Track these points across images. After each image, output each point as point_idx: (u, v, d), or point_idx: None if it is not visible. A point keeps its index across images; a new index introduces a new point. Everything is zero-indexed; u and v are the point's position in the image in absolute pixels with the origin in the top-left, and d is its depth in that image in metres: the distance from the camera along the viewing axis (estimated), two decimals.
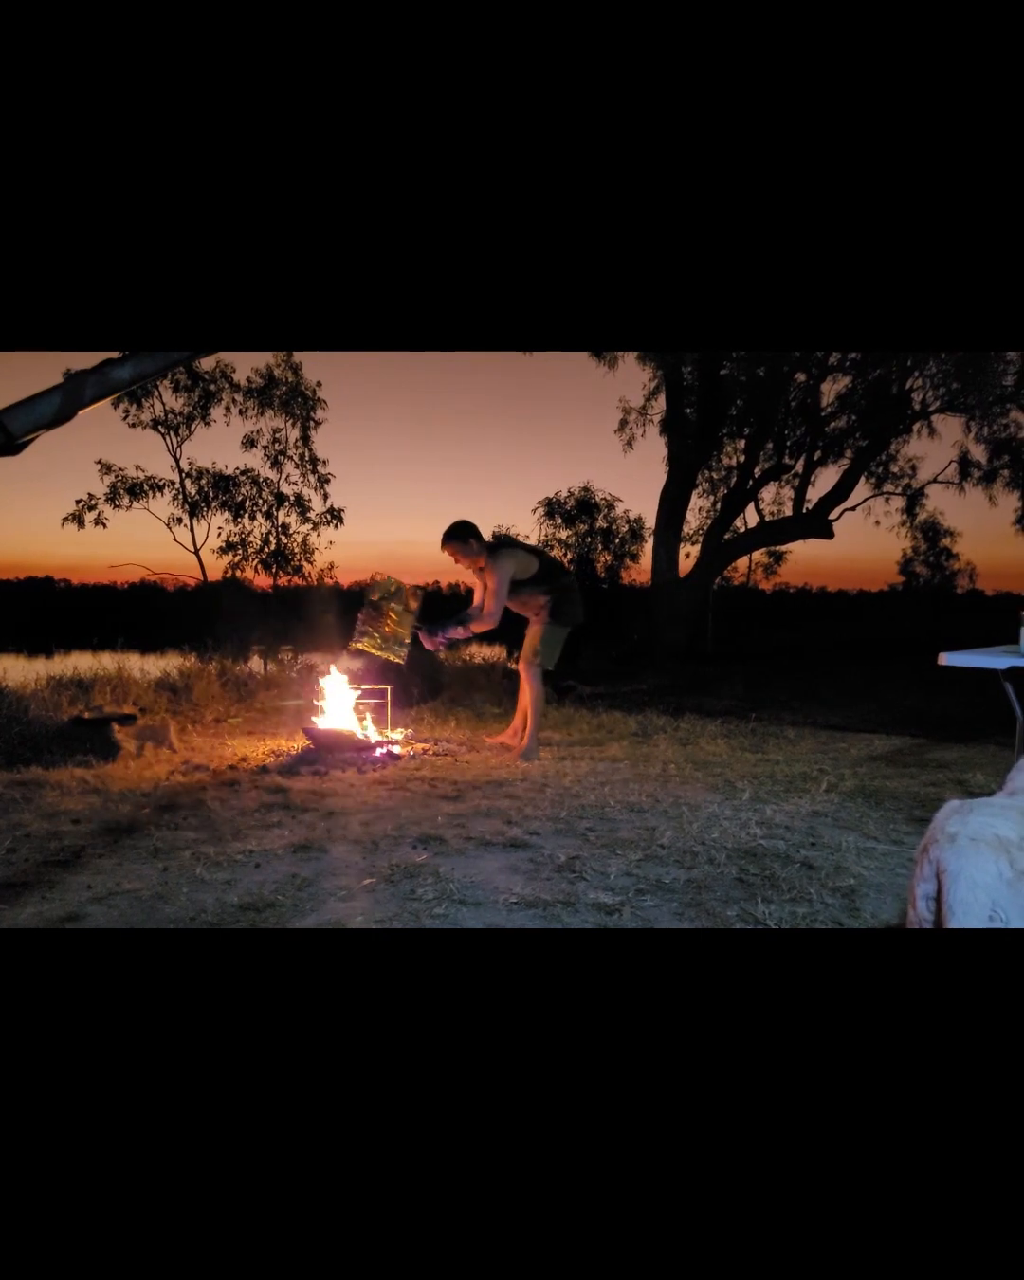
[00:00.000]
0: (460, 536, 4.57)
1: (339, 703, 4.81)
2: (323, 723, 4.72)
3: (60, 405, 1.87)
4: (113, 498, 11.80)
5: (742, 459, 12.11)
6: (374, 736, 4.69)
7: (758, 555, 15.04)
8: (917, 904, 1.47)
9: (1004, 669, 3.10)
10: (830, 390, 11.29)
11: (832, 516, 11.77)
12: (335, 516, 12.72)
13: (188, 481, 12.31)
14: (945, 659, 3.26)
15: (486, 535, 4.68)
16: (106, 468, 11.78)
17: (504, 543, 4.74)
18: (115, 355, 1.98)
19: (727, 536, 12.13)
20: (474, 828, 3.13)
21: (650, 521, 12.42)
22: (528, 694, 4.62)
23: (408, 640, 4.56)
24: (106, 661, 6.81)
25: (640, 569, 13.80)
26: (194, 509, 12.37)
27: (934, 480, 13.00)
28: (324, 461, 12.66)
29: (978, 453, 12.13)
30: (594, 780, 4.00)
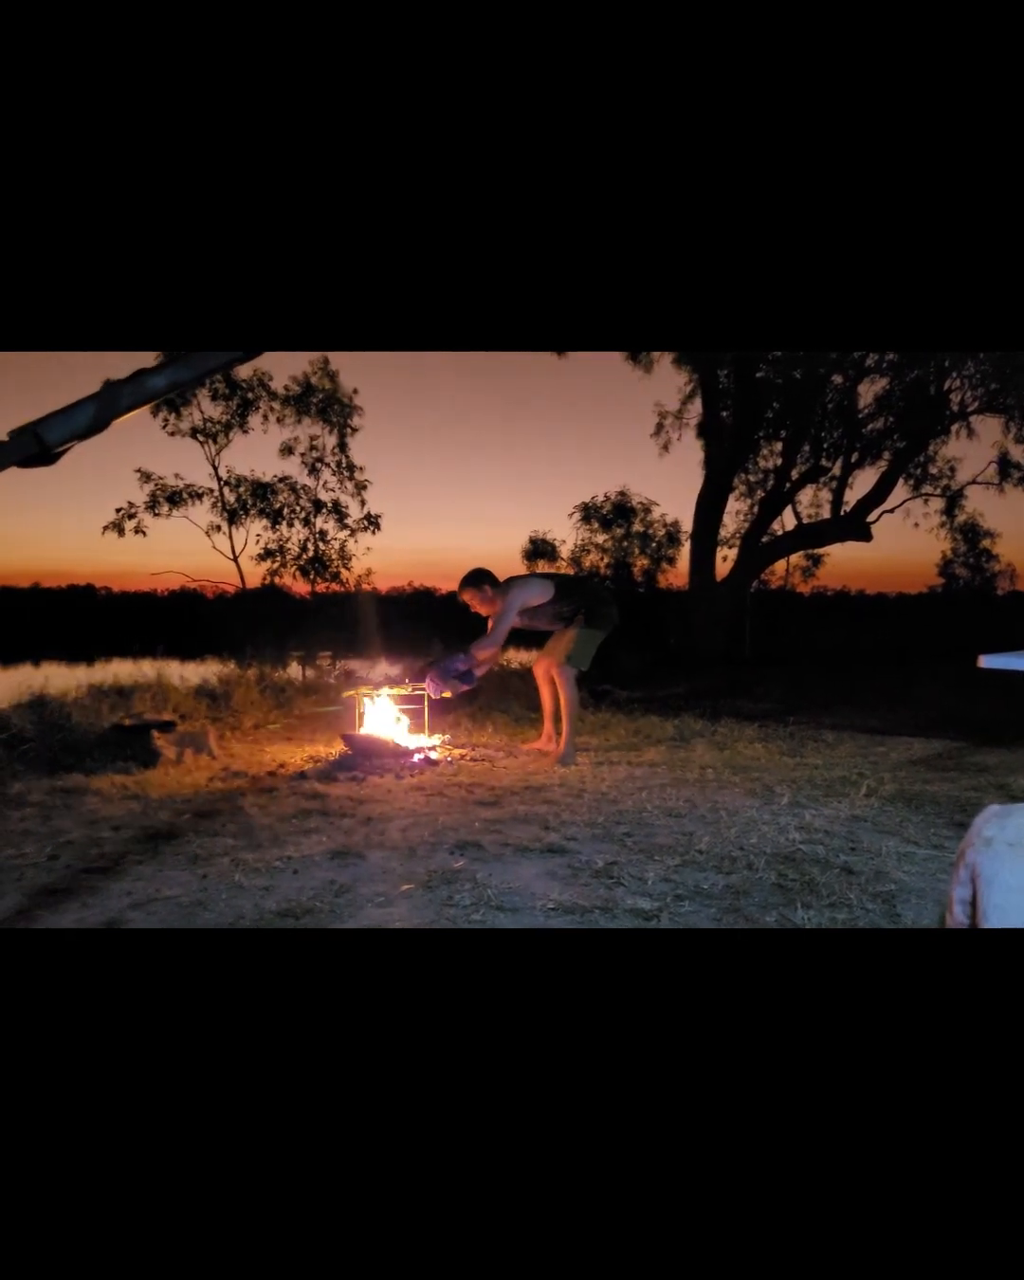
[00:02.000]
0: (475, 583, 4.58)
1: (377, 709, 4.86)
2: (361, 728, 4.76)
3: (95, 414, 1.89)
4: (152, 506, 12.00)
5: (778, 462, 12.02)
6: (412, 742, 4.73)
7: (796, 558, 14.87)
8: (953, 909, 1.45)
9: None
10: (868, 392, 11.18)
11: (870, 519, 11.64)
12: (372, 523, 12.82)
13: (226, 489, 12.50)
14: (985, 662, 3.20)
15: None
16: (146, 476, 11.99)
17: (517, 577, 4.73)
18: (150, 365, 2.01)
19: (764, 540, 12.04)
20: (511, 834, 3.14)
21: (687, 525, 12.38)
22: (562, 698, 4.62)
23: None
24: (146, 669, 6.93)
25: (677, 572, 13.76)
26: (232, 516, 12.55)
27: (973, 482, 12.80)
28: (361, 468, 12.77)
29: (1018, 453, 11.92)
30: (631, 785, 3.99)
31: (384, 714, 4.86)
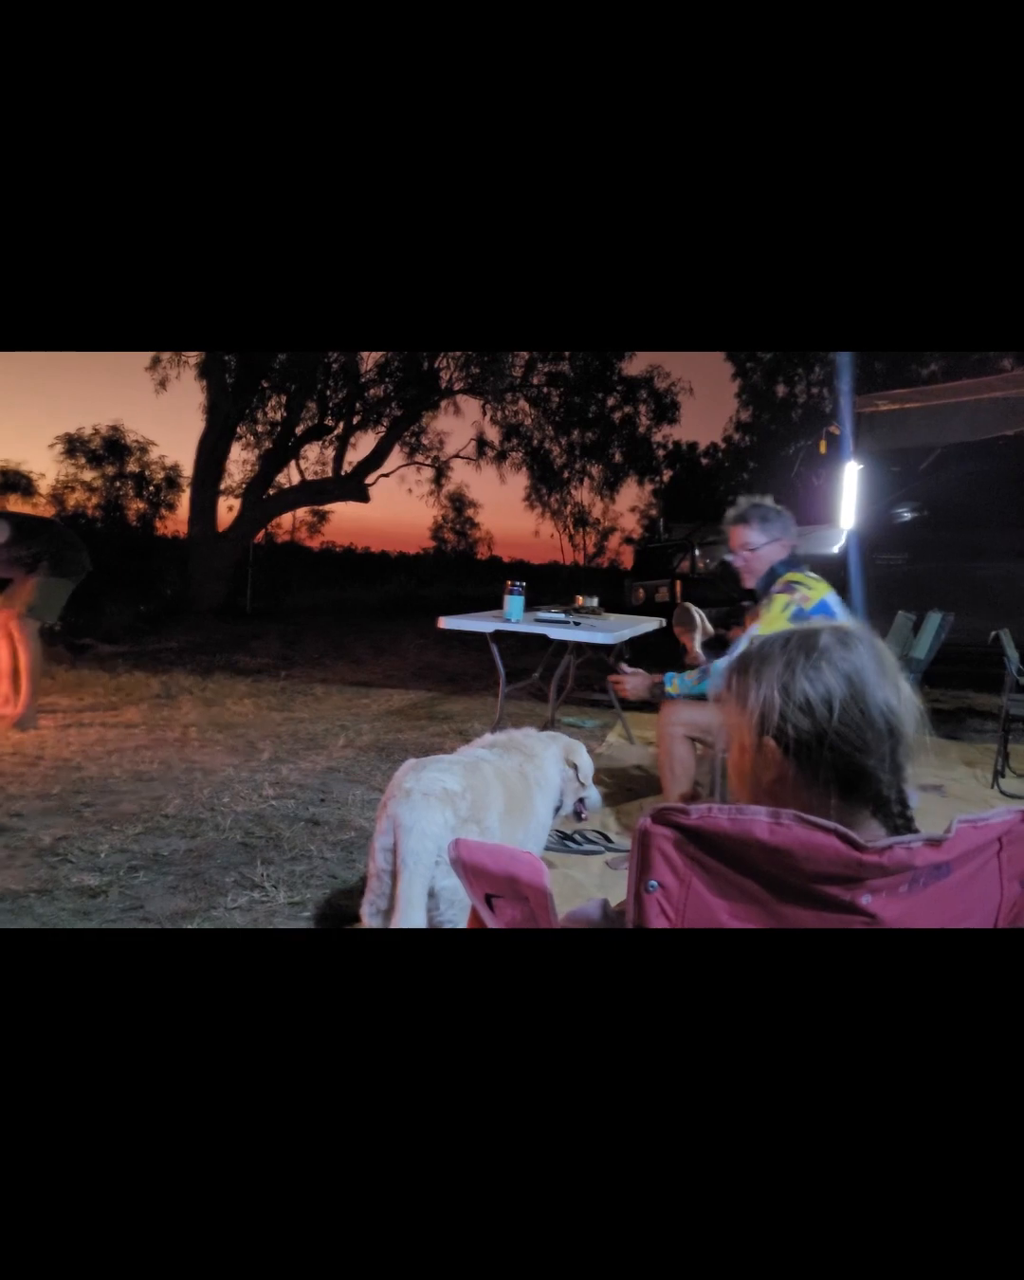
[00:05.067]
0: None
1: None
2: None
3: None
4: None
5: (284, 414, 11.96)
6: None
7: (302, 513, 15.08)
8: (376, 856, 1.57)
9: (491, 632, 3.46)
10: (369, 357, 11.60)
11: (368, 481, 12.18)
12: None
13: None
14: (444, 623, 3.55)
15: None
16: None
17: None
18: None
19: (270, 492, 11.93)
20: None
21: (188, 469, 11.75)
22: (23, 653, 4.08)
23: None
24: None
25: (178, 519, 13.05)
26: None
27: (457, 455, 14.15)
28: None
29: (492, 434, 13.47)
30: (101, 749, 3.68)
31: None
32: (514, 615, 3.57)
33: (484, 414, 12.78)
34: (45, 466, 15.93)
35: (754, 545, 2.54)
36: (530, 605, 3.79)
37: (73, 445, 12.42)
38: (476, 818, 1.63)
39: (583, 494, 16.79)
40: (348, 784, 3.37)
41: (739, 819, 0.80)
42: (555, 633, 3.50)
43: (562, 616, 3.71)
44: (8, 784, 3.06)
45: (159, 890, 2.21)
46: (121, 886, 2.20)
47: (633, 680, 2.67)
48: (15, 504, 13.09)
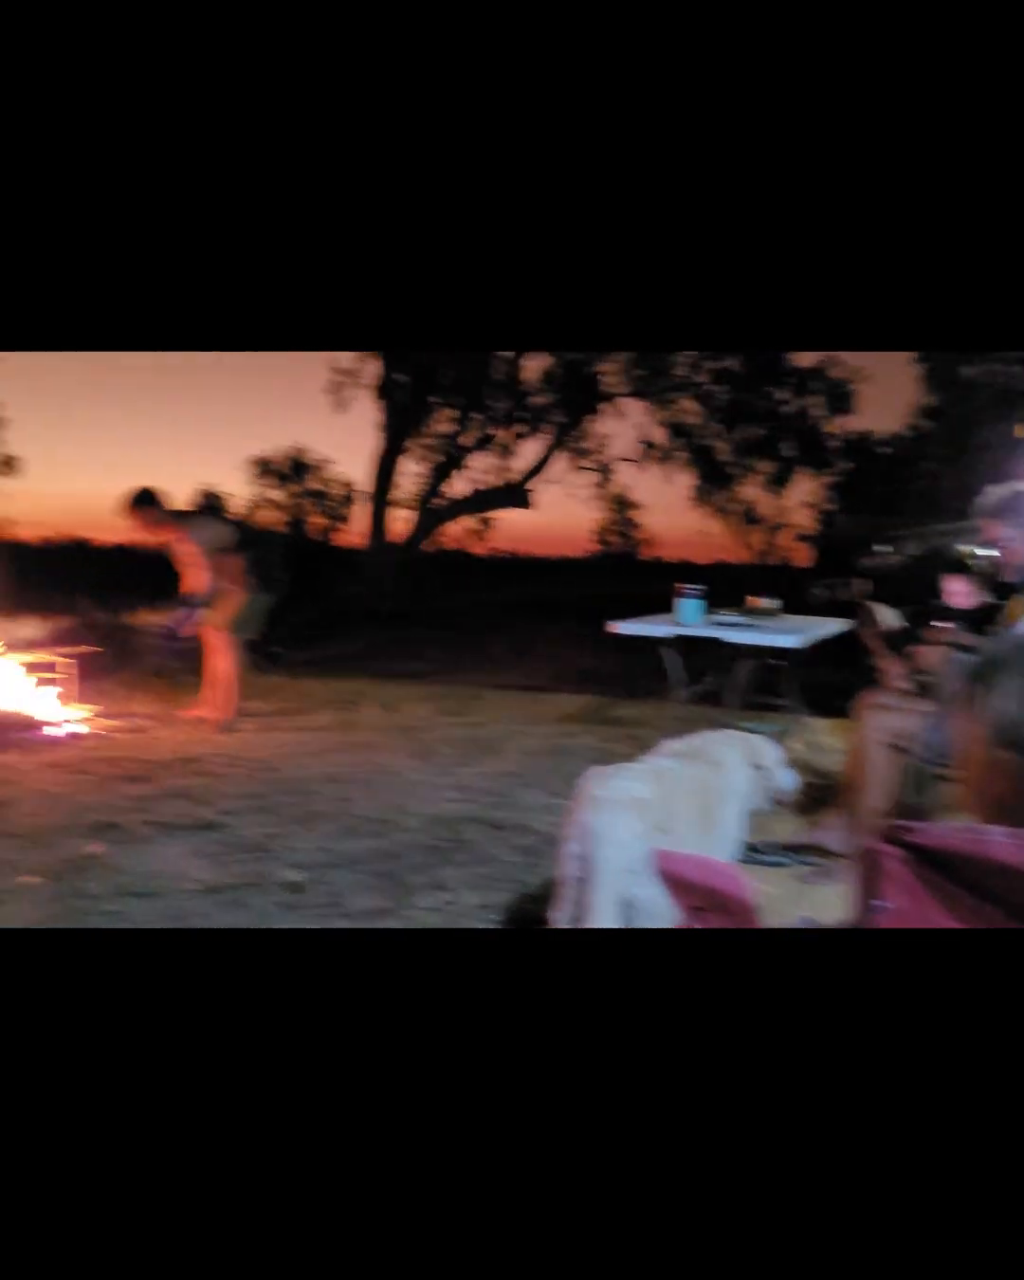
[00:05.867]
0: (145, 503, 4.27)
1: (6, 675, 4.30)
2: None
3: None
4: None
5: (453, 428, 12.32)
6: (52, 713, 4.25)
7: (468, 521, 15.43)
8: (566, 863, 1.58)
9: (663, 638, 3.42)
10: (533, 368, 11.78)
11: (530, 487, 12.35)
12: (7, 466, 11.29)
13: None
14: (616, 628, 3.53)
15: (197, 496, 4.43)
16: None
17: (197, 512, 4.49)
18: None
19: (437, 502, 12.33)
20: (159, 810, 2.94)
21: (360, 484, 12.33)
22: (225, 662, 4.41)
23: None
24: None
25: (354, 531, 13.69)
26: None
27: (620, 458, 14.04)
28: None
29: (658, 435, 13.29)
30: (294, 751, 3.92)
31: (8, 681, 4.31)
32: (689, 619, 3.51)
33: (649, 415, 12.66)
34: (237, 487, 17.09)
35: (1007, 538, 2.37)
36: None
37: (262, 467, 13.30)
38: (666, 827, 1.61)
39: (752, 490, 16.30)
40: (524, 788, 3.42)
41: (974, 838, 0.75)
42: (732, 636, 3.42)
43: (738, 619, 3.62)
44: (216, 783, 3.31)
45: (355, 888, 2.33)
46: (321, 883, 2.34)
47: None
48: None
